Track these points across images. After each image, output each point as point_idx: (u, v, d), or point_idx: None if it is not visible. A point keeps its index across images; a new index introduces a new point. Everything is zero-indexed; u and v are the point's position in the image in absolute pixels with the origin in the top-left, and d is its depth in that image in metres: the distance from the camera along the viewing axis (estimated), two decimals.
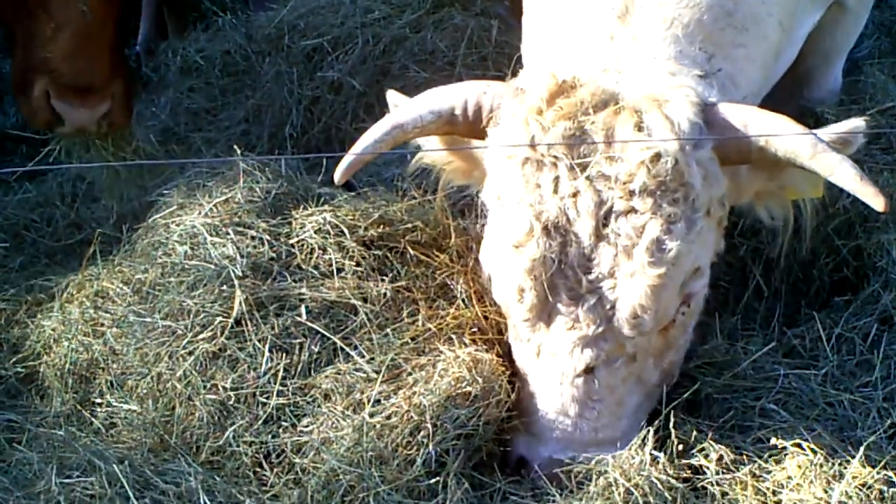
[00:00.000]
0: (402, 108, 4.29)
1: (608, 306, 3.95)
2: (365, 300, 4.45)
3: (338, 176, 4.26)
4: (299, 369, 4.28)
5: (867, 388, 4.39)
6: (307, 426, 4.13)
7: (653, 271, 3.86)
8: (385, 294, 4.49)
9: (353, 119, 6.42)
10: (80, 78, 5.50)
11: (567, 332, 3.98)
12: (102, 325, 4.66)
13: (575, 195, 3.91)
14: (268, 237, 4.63)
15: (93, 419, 4.45)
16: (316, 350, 4.32)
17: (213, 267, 4.53)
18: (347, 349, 4.32)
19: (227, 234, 4.63)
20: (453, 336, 4.40)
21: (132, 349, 4.46)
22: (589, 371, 3.99)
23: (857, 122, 4.04)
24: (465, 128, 4.25)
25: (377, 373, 4.21)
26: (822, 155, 3.87)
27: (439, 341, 4.36)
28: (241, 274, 4.47)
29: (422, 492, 3.96)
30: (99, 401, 4.51)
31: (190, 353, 4.33)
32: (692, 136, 3.92)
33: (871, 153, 5.55)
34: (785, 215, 4.41)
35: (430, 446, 3.97)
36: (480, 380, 4.15)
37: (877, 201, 3.77)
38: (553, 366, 4.05)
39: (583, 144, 3.95)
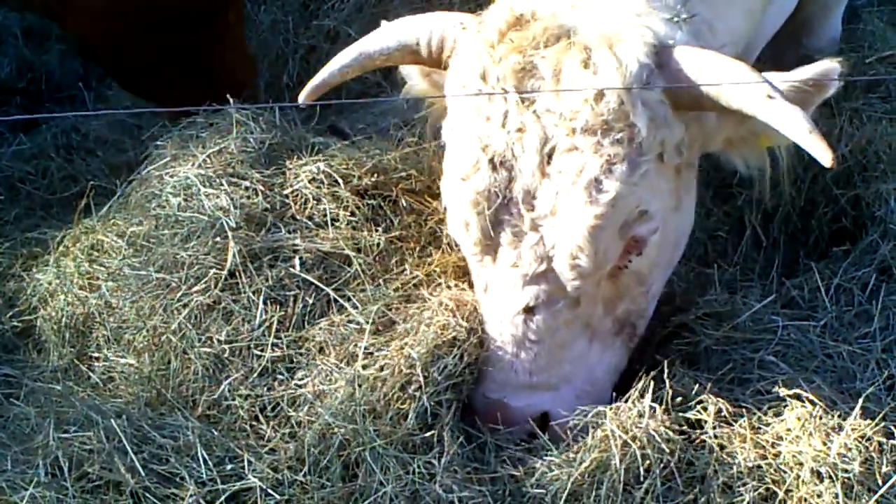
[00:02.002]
0: (370, 37, 4.30)
1: (550, 246, 3.92)
2: (359, 250, 4.45)
3: (302, 97, 4.30)
4: (293, 321, 4.28)
5: (866, 340, 4.38)
6: (301, 379, 4.13)
7: (589, 211, 3.80)
8: (378, 244, 4.48)
9: None
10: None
11: (509, 269, 3.97)
12: (98, 278, 4.66)
13: (521, 130, 3.87)
14: (262, 188, 4.61)
15: (90, 373, 4.46)
16: (310, 302, 4.32)
17: (206, 218, 4.51)
18: (341, 300, 4.31)
19: (221, 185, 4.61)
20: (439, 280, 4.41)
21: (128, 303, 4.46)
22: (529, 311, 3.98)
23: (827, 65, 3.87)
24: (429, 59, 4.26)
25: (372, 324, 4.20)
26: (772, 104, 3.72)
27: (425, 288, 4.37)
28: (234, 225, 4.45)
29: (416, 445, 3.95)
30: (96, 355, 4.51)
31: (184, 306, 4.31)
32: (639, 77, 3.82)
33: (871, 102, 5.53)
34: (760, 164, 4.29)
35: (425, 399, 3.96)
36: (465, 322, 4.15)
37: (825, 156, 3.60)
38: (495, 302, 4.05)
39: (532, 78, 3.90)
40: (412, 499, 3.82)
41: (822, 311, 4.53)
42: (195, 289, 4.33)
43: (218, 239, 4.42)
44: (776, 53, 5.17)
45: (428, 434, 3.95)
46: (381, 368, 4.03)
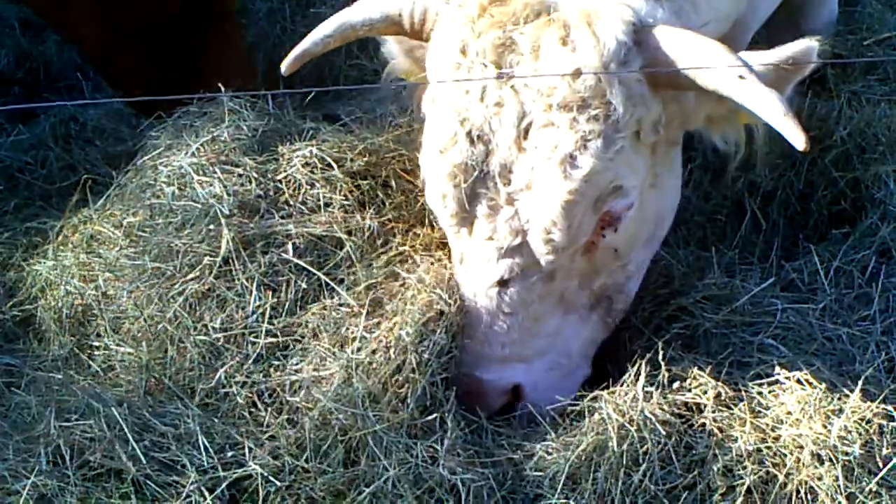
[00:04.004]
0: (353, 7, 4.31)
1: (525, 220, 3.94)
2: (350, 233, 4.46)
3: (285, 66, 4.39)
4: (286, 307, 4.29)
5: (865, 322, 4.38)
6: (297, 365, 4.14)
7: (564, 186, 3.83)
8: (370, 227, 4.49)
9: (346, 56, 6.36)
10: None
11: (484, 242, 4.00)
12: (95, 269, 4.65)
13: (499, 104, 3.89)
14: (255, 174, 4.62)
15: (90, 362, 4.45)
16: (303, 287, 4.32)
17: (200, 206, 4.52)
18: (332, 283, 4.32)
19: (215, 173, 4.62)
20: (418, 257, 4.42)
21: (125, 293, 4.46)
22: (503, 283, 4.01)
23: (806, 44, 3.87)
24: (411, 31, 4.27)
25: (362, 307, 4.21)
26: (747, 87, 3.71)
27: (405, 266, 4.39)
28: (227, 212, 4.46)
29: (419, 429, 3.96)
30: (96, 344, 4.50)
31: (179, 294, 4.32)
32: (617, 55, 3.83)
33: (869, 84, 5.53)
34: (738, 140, 4.30)
35: (423, 382, 3.98)
36: (446, 295, 4.16)
37: (799, 140, 3.59)
38: (471, 274, 4.08)
39: (512, 54, 3.91)
40: (415, 482, 3.82)
41: (822, 293, 4.53)
42: (189, 277, 4.34)
43: (212, 227, 4.43)
44: (773, 36, 5.15)
45: (430, 418, 3.96)
46: (374, 352, 4.04)
